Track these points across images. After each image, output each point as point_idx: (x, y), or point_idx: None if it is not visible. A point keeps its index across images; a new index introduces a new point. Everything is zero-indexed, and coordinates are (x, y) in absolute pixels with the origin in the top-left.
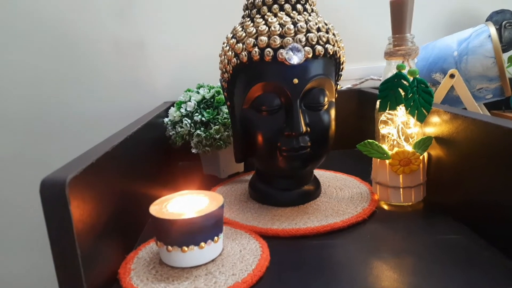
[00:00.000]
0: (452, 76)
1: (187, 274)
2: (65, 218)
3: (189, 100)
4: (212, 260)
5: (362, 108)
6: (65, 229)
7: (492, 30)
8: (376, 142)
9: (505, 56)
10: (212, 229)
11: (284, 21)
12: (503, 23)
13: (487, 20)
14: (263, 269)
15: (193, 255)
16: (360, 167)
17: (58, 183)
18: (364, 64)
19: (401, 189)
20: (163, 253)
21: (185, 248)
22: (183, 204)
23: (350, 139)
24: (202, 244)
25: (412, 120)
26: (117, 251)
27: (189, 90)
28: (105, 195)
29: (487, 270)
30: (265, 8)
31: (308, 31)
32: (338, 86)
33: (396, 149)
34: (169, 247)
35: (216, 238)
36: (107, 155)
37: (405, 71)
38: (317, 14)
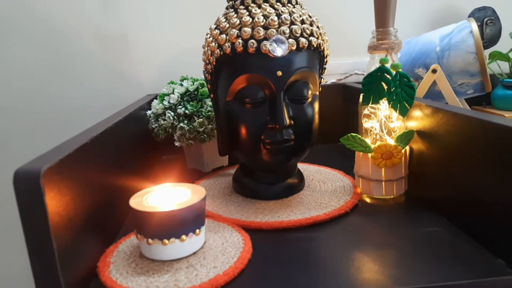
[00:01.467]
0: (434, 71)
1: (167, 267)
2: (40, 210)
3: (173, 93)
4: (194, 253)
5: (347, 102)
6: (40, 222)
7: (474, 26)
8: (359, 136)
9: (487, 52)
10: (193, 221)
11: (268, 12)
12: (485, 19)
13: (469, 17)
14: (245, 262)
15: (174, 247)
16: (344, 161)
17: (33, 174)
18: (349, 59)
19: (383, 182)
20: (143, 246)
21: (165, 240)
22: (164, 196)
23: (335, 133)
24: (183, 236)
25: (395, 114)
26: (96, 245)
27: (172, 83)
28: (84, 187)
29: (467, 262)
30: None
31: (292, 23)
32: (322, 79)
33: (378, 142)
34: (150, 240)
35: (197, 230)
36: (85, 146)
37: (388, 65)
38: (301, 7)
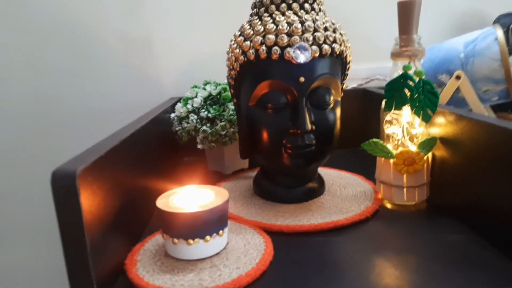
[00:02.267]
0: (458, 77)
1: (192, 266)
2: (75, 209)
3: (196, 96)
4: (217, 254)
5: (367, 107)
6: (75, 220)
7: (499, 33)
8: (381, 142)
9: None
10: (217, 223)
11: (291, 20)
12: (511, 26)
13: (494, 23)
14: (267, 264)
15: (198, 248)
16: (364, 166)
17: (69, 174)
18: (370, 64)
19: (404, 189)
20: (168, 245)
21: (190, 241)
22: (189, 198)
23: (355, 138)
24: (207, 237)
25: (417, 120)
26: (124, 243)
27: (195, 87)
28: (113, 188)
29: (487, 270)
30: (273, 6)
31: (315, 30)
32: (344, 85)
33: (400, 148)
34: (175, 240)
35: (221, 232)
36: (116, 148)
37: (411, 72)
38: (324, 14)
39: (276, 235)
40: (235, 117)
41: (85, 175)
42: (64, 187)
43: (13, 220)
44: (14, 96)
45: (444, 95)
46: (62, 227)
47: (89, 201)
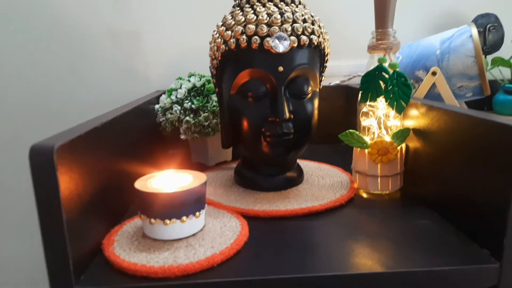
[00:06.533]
0: (434, 73)
1: (168, 246)
2: (52, 184)
3: (180, 88)
4: (193, 235)
5: (350, 104)
6: (52, 193)
7: (474, 31)
8: (357, 132)
9: (489, 58)
10: (193, 204)
11: (271, 11)
12: (488, 26)
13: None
14: (241, 244)
15: (174, 228)
16: (345, 160)
17: (47, 150)
18: (352, 61)
19: (379, 178)
20: (146, 225)
21: (167, 221)
22: (167, 180)
23: (338, 134)
24: (184, 218)
25: (392, 113)
26: (102, 224)
27: (180, 78)
28: (93, 168)
29: (453, 252)
30: None
31: (294, 21)
32: (323, 77)
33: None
34: (152, 220)
35: (197, 213)
36: (95, 130)
37: (386, 64)
38: (304, 7)
39: (253, 220)
40: (218, 108)
41: (63, 152)
42: (41, 161)
43: (5, 210)
44: (3, 90)
45: (421, 91)
46: (39, 201)
47: (67, 177)
